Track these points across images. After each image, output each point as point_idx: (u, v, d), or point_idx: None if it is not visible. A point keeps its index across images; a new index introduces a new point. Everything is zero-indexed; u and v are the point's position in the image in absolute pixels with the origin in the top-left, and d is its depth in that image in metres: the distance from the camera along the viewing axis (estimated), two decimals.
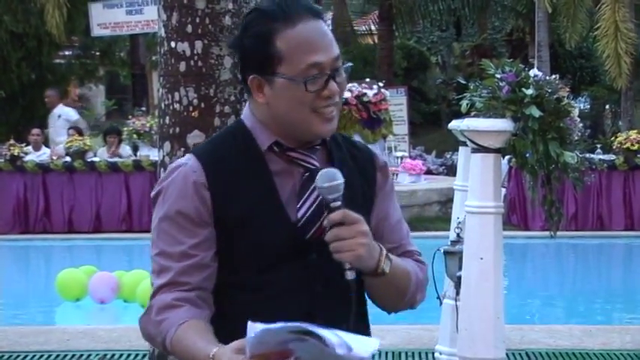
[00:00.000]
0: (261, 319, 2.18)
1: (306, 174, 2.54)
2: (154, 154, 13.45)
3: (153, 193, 2.60)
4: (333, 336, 2.16)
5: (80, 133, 18.59)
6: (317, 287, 2.53)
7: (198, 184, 2.51)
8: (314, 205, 2.52)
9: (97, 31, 24.39)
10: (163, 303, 2.49)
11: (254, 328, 2.16)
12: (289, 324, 2.17)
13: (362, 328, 2.61)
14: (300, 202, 2.54)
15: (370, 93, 17.70)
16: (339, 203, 2.41)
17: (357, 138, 17.67)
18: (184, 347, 2.42)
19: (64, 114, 19.88)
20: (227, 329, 2.38)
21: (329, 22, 32.13)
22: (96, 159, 16.95)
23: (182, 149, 4.31)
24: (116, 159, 17.03)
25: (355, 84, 17.91)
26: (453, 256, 5.57)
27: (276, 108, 2.52)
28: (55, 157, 17.26)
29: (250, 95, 2.58)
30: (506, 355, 4.86)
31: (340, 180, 2.41)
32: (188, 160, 2.56)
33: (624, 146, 16.54)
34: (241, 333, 2.20)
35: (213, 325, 2.49)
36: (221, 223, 2.52)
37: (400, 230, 2.75)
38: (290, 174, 2.56)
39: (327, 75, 2.49)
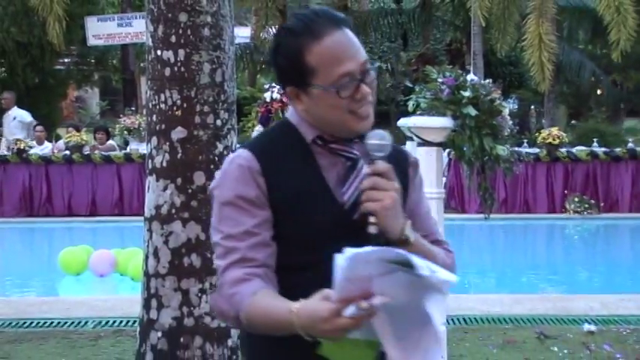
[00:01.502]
0: (313, 293, 2.09)
1: (349, 163, 2.42)
2: (143, 148, 13.40)
3: (212, 185, 2.46)
4: (419, 260, 2.00)
5: (78, 129, 18.53)
6: None
7: (253, 171, 2.36)
8: (358, 190, 2.35)
9: (92, 41, 24.25)
10: (234, 278, 2.31)
11: (344, 256, 1.98)
12: (379, 249, 2.02)
13: None
14: (345, 187, 2.40)
15: None
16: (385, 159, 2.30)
17: None
18: (262, 310, 2.24)
19: (18, 116, 19.28)
20: None
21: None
22: (94, 152, 16.91)
23: (167, 143, 4.29)
24: (109, 152, 16.99)
25: None
26: None
27: (314, 112, 2.40)
28: (56, 151, 17.21)
29: (290, 100, 2.47)
30: (447, 320, 4.88)
31: (389, 141, 2.33)
32: (242, 152, 2.43)
33: (547, 141, 16.72)
34: None
35: None
36: (275, 205, 2.37)
37: (429, 220, 2.62)
38: (334, 164, 2.43)
39: (357, 80, 2.36)
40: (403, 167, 2.54)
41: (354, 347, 2.07)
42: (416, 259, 1.98)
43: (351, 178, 2.41)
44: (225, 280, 2.32)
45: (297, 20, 2.42)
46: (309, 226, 2.37)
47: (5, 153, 17.04)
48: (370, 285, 1.98)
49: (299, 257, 2.37)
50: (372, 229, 2.26)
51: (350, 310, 1.97)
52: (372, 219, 2.26)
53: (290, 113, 2.50)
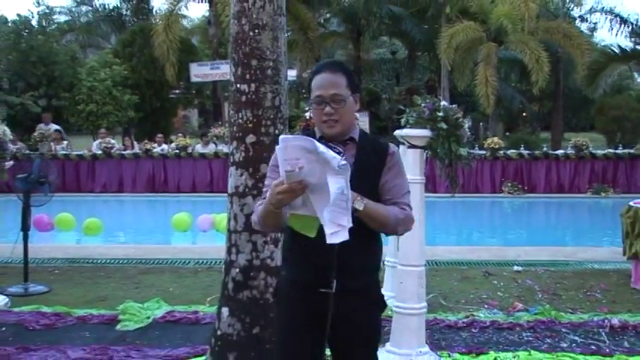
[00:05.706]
0: None
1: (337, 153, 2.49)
2: (226, 149, 13.41)
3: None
4: (321, 145, 2.22)
5: (184, 136, 18.57)
6: None
7: None
8: None
9: (194, 79, 24.39)
10: (259, 204, 2.57)
11: (280, 140, 2.23)
12: (300, 138, 2.24)
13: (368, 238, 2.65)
14: None
15: None
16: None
17: None
18: (260, 209, 2.53)
19: (53, 127, 18.59)
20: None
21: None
22: (194, 150, 16.95)
23: (243, 145, 4.25)
24: (205, 150, 17.06)
25: None
26: None
27: (313, 116, 2.65)
28: (170, 150, 17.26)
29: None
30: (426, 262, 4.85)
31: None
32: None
33: (490, 146, 16.71)
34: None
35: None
36: None
37: (394, 190, 2.60)
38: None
39: (325, 103, 2.56)
40: (382, 156, 2.64)
41: (304, 219, 2.33)
42: (319, 145, 2.20)
43: None
44: (257, 205, 2.61)
45: (318, 64, 2.68)
46: None
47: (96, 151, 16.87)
48: (298, 162, 2.22)
49: None
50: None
51: (285, 180, 2.25)
52: None
53: None
